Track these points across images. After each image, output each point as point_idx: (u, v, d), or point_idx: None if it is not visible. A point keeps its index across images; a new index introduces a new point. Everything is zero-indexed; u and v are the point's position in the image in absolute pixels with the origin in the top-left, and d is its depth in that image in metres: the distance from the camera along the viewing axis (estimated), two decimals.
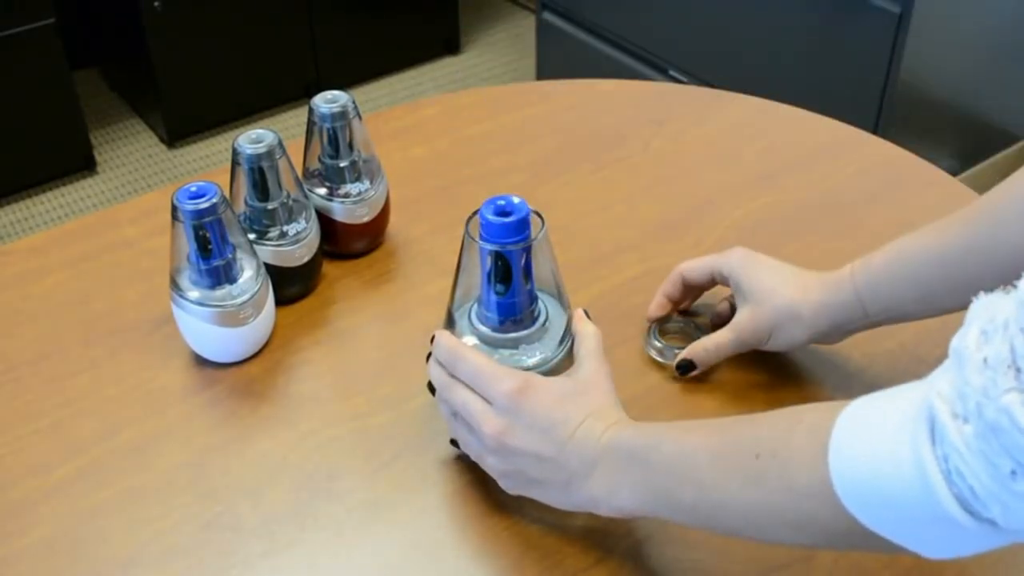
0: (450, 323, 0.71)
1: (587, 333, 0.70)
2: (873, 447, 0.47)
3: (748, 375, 0.80)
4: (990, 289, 0.57)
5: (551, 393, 0.65)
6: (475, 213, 0.67)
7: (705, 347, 0.78)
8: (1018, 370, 0.41)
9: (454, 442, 0.71)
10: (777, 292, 0.75)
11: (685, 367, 0.78)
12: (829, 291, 0.74)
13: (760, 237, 0.94)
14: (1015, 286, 0.44)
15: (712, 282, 0.82)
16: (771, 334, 0.76)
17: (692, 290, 0.83)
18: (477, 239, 0.67)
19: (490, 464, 0.66)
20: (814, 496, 0.50)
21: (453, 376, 0.67)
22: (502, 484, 0.67)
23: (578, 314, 0.71)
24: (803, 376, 0.80)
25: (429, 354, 0.70)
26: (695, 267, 0.81)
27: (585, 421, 0.63)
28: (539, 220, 0.67)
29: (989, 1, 1.82)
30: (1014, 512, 0.43)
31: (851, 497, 0.48)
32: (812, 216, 0.97)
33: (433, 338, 0.69)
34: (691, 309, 0.86)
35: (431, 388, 0.70)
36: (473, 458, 0.68)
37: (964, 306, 0.66)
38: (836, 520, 0.49)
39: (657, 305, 0.83)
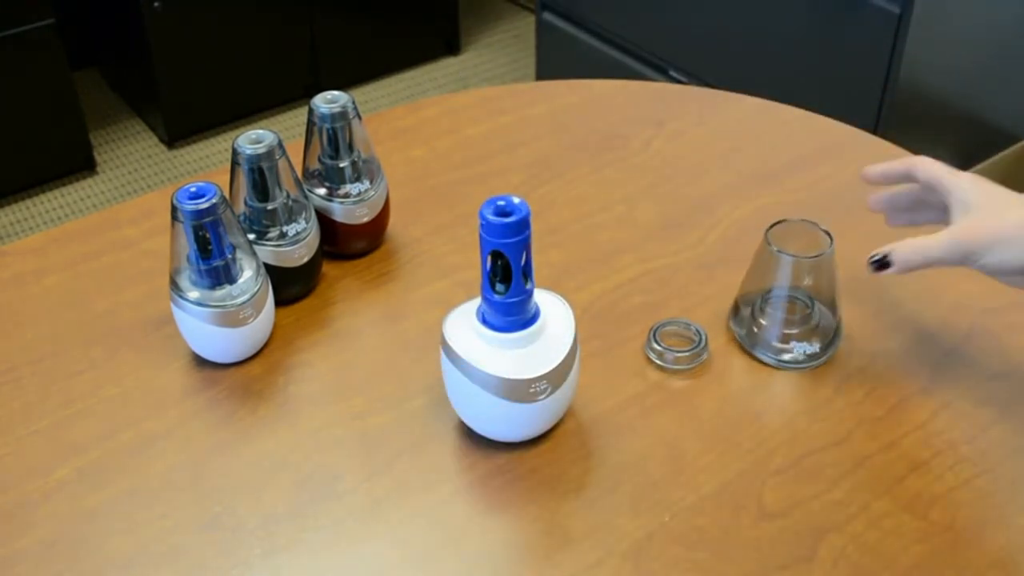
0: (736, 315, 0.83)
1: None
2: None
3: (749, 374, 0.80)
4: None
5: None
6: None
7: (913, 245, 0.72)
8: None
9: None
10: (1008, 210, 0.70)
11: (879, 262, 0.73)
12: None
13: (760, 237, 0.94)
14: None
15: (917, 185, 0.78)
16: (988, 250, 0.70)
17: (910, 179, 0.78)
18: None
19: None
20: None
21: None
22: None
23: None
24: (803, 374, 0.80)
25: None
26: (930, 170, 0.76)
27: None
28: (828, 238, 0.77)
29: (989, 1, 1.82)
30: None
31: None
32: (812, 216, 0.97)
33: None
34: (691, 309, 0.86)
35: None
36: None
37: None
38: None
39: (873, 175, 0.80)
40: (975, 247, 0.70)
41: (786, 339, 0.80)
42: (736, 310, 0.84)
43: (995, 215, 0.71)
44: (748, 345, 0.82)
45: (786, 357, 0.80)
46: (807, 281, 0.79)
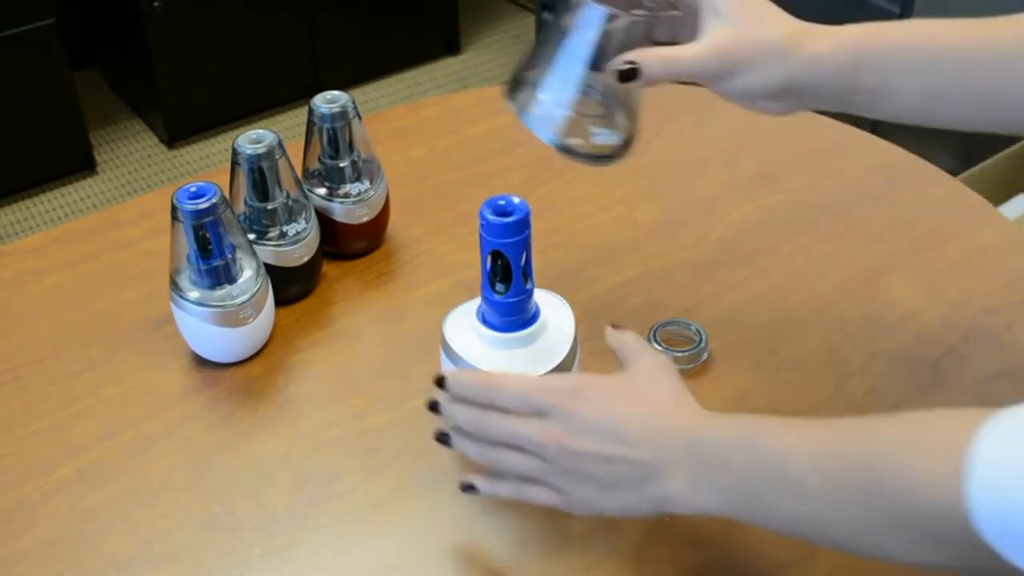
0: (515, 87, 0.66)
1: (628, 339, 0.65)
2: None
3: (748, 374, 0.80)
4: (1007, 112, 0.52)
5: (609, 390, 0.60)
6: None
7: (660, 55, 0.64)
8: None
9: (467, 487, 0.65)
10: (769, 22, 0.64)
11: (626, 72, 0.64)
12: (830, 44, 0.63)
13: (760, 237, 0.94)
14: None
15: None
16: (746, 68, 0.63)
17: None
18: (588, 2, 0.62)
19: (554, 481, 0.60)
20: (943, 522, 0.46)
21: (491, 406, 0.61)
22: (570, 503, 0.60)
23: (608, 331, 0.67)
24: (803, 374, 0.80)
25: (433, 402, 0.64)
26: None
27: (655, 414, 0.58)
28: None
29: (989, 1, 1.82)
30: None
31: (994, 529, 0.44)
32: (812, 216, 0.97)
33: (441, 380, 0.63)
34: (691, 309, 0.86)
35: (441, 439, 0.65)
36: (527, 498, 0.62)
37: (962, 123, 0.61)
38: (967, 545, 0.45)
39: None
40: (731, 64, 0.63)
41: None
42: (515, 84, 0.68)
43: (753, 27, 0.63)
44: (530, 118, 0.67)
45: (573, 141, 0.66)
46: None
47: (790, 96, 0.65)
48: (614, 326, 0.67)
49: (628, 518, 0.60)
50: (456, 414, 0.63)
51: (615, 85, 0.65)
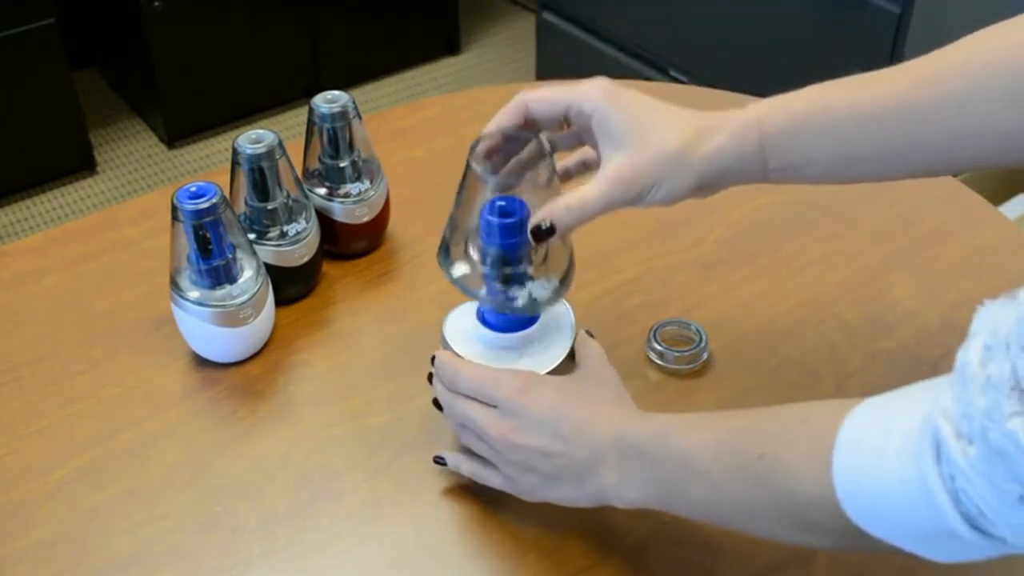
0: (445, 253, 0.70)
1: (590, 345, 0.70)
2: (878, 465, 0.46)
3: (748, 374, 0.80)
4: (919, 158, 0.54)
5: (553, 389, 0.65)
6: (478, 141, 0.66)
7: (567, 204, 0.63)
8: (1023, 392, 0.40)
9: (438, 459, 0.71)
10: (662, 134, 0.62)
11: (540, 232, 0.64)
12: (728, 136, 0.62)
13: (760, 237, 0.94)
14: (1015, 296, 0.42)
15: (564, 122, 0.67)
16: (653, 187, 0.63)
17: (532, 125, 0.67)
18: (479, 169, 0.65)
19: (504, 470, 0.66)
20: (817, 506, 0.50)
21: (454, 391, 0.67)
22: (517, 491, 0.66)
23: (581, 334, 0.71)
24: (803, 374, 0.80)
25: (430, 374, 0.70)
26: (545, 99, 0.66)
27: (590, 414, 0.63)
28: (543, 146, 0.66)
29: (989, 1, 1.82)
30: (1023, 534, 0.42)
31: (857, 510, 0.48)
32: (812, 216, 0.97)
33: (433, 359, 0.69)
34: (691, 309, 0.86)
35: (437, 405, 0.70)
36: (483, 480, 0.68)
37: (881, 175, 0.63)
38: (840, 527, 0.49)
39: (488, 135, 0.67)
40: (637, 188, 0.63)
41: (512, 280, 0.67)
42: (446, 249, 0.69)
43: (646, 146, 0.62)
44: (469, 289, 0.68)
45: (519, 303, 0.67)
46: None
47: (707, 189, 0.65)
48: (588, 332, 0.71)
49: (572, 506, 0.65)
50: (436, 390, 0.69)
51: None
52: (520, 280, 0.68)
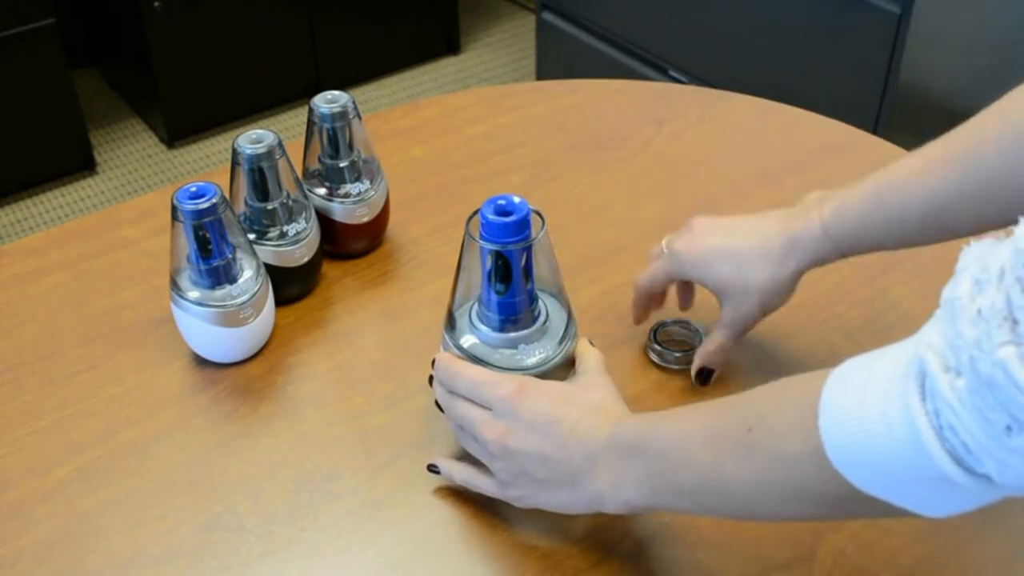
0: (451, 323, 0.71)
1: (590, 353, 0.70)
2: (863, 406, 0.46)
3: (748, 374, 0.80)
4: (971, 232, 0.55)
5: (549, 393, 0.65)
6: (475, 213, 0.67)
7: (709, 351, 0.77)
8: (1015, 322, 0.40)
9: (432, 467, 0.72)
10: (749, 280, 0.73)
11: (705, 376, 0.78)
12: (801, 252, 0.72)
13: None
14: (1009, 233, 0.42)
15: (682, 284, 0.82)
16: (763, 314, 0.75)
17: (661, 297, 0.82)
18: (478, 239, 0.67)
19: (498, 474, 0.66)
20: (806, 462, 0.49)
21: (453, 392, 0.68)
22: (511, 497, 0.67)
23: (583, 341, 0.72)
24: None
25: (431, 376, 0.70)
26: (654, 279, 0.80)
27: (585, 417, 0.63)
28: (539, 220, 0.67)
29: (989, 2, 1.82)
30: (1010, 468, 0.42)
31: (843, 459, 0.47)
32: None
33: (434, 361, 0.70)
34: (691, 309, 0.86)
35: (440, 406, 0.70)
36: (476, 487, 0.69)
37: (944, 239, 0.67)
38: (830, 485, 0.48)
39: (636, 319, 0.83)
40: (753, 323, 0.75)
41: (512, 344, 0.69)
42: (451, 322, 0.71)
43: (744, 294, 0.74)
44: (480, 359, 0.69)
45: (529, 360, 0.69)
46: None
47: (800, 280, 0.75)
48: (589, 341, 0.72)
49: (566, 513, 0.65)
50: (436, 391, 0.70)
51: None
52: (526, 340, 0.69)
